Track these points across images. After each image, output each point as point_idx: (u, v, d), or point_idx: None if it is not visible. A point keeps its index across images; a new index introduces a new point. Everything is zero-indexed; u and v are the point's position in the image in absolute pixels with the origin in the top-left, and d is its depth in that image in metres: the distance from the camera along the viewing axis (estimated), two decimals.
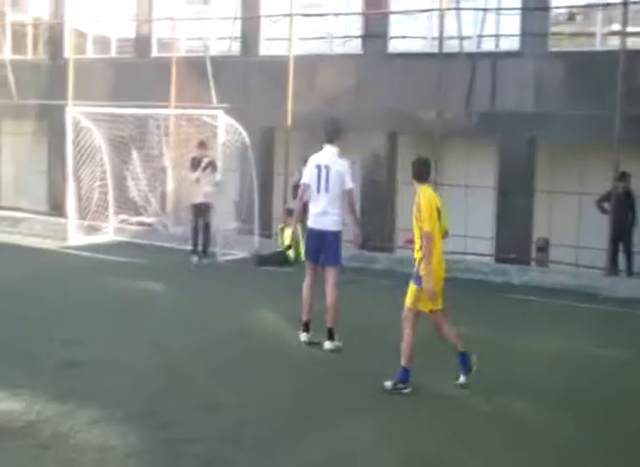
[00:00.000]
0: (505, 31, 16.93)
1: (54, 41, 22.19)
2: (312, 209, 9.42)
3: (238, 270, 15.08)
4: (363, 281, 14.00)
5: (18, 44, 22.90)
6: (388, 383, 7.70)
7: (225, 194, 16.44)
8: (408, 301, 7.83)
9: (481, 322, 11.00)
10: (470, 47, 16.79)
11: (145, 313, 10.92)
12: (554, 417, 7.19)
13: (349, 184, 9.34)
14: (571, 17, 17.31)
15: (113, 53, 21.57)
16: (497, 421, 7.07)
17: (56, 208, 20.14)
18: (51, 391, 7.19)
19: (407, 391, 7.67)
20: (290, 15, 17.75)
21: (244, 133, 16.60)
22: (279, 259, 15.61)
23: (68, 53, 21.34)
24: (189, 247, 15.92)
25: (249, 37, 19.22)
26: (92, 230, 18.00)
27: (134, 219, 18.38)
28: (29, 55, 22.84)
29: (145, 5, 20.72)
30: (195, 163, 15.37)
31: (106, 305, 11.30)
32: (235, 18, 19.29)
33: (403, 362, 7.75)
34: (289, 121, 17.47)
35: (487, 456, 6.28)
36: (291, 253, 15.55)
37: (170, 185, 18.55)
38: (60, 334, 9.46)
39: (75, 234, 17.62)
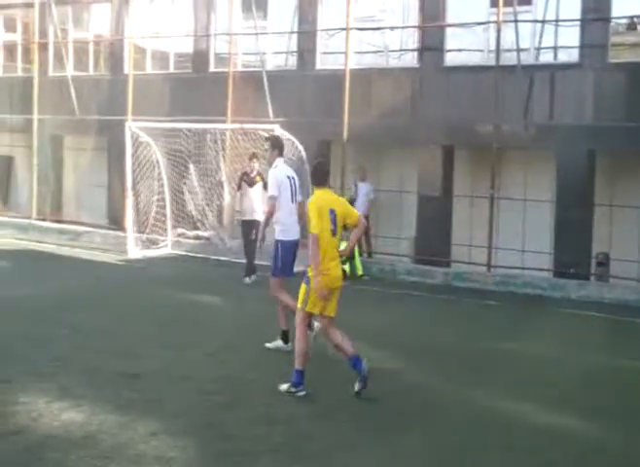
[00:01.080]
0: (563, 43, 16.73)
1: (115, 57, 22.57)
2: (288, 219, 9.68)
3: (296, 284, 15.07)
4: (418, 296, 13.93)
5: (80, 61, 23.34)
6: (284, 386, 7.80)
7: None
8: (299, 302, 8.04)
9: (539, 338, 10.88)
10: (527, 59, 16.64)
11: (203, 326, 11.01)
12: (613, 435, 7.07)
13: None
14: (631, 27, 17.02)
15: (171, 69, 21.85)
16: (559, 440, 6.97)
17: (116, 222, 20.44)
18: (111, 402, 7.27)
19: (301, 394, 7.73)
20: (346, 29, 17.81)
21: (300, 147, 16.69)
22: None
23: (128, 68, 21.68)
24: (244, 260, 16.03)
25: (305, 51, 19.31)
26: (151, 243, 18.26)
27: (191, 233, 18.58)
28: (90, 72, 23.25)
29: (203, 20, 20.97)
30: (245, 178, 15.03)
31: (164, 318, 11.43)
32: (292, 33, 19.42)
33: (296, 365, 7.82)
34: (345, 134, 17.51)
35: None
36: (346, 267, 15.53)
37: (227, 199, 18.70)
38: (120, 345, 9.59)
39: (134, 248, 17.87)
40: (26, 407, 7.02)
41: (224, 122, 18.91)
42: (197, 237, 18.66)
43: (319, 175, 8.23)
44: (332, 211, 7.87)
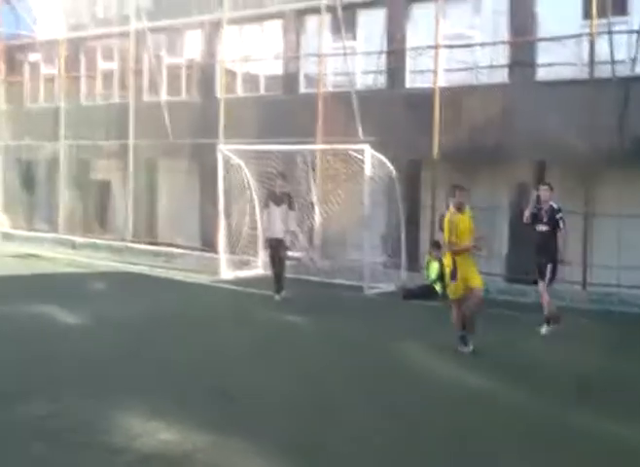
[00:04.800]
0: None
1: (206, 81, 22.99)
2: None
3: (385, 304, 15.03)
4: (510, 316, 13.64)
5: (173, 85, 23.87)
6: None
7: (372, 227, 16.48)
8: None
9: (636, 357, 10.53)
10: (623, 71, 16.21)
11: (294, 345, 11.04)
12: None
13: None
14: None
15: (262, 91, 22.13)
16: None
17: (209, 244, 20.72)
18: (204, 421, 7.31)
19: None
20: (435, 46, 17.73)
21: (390, 167, 16.64)
22: (426, 292, 15.47)
23: (219, 92, 22.07)
24: (336, 281, 16.04)
25: (395, 70, 19.29)
26: (242, 264, 18.43)
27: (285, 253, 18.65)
28: (183, 96, 23.74)
29: (292, 42, 21.20)
30: (273, 198, 15.12)
31: (256, 337, 11.50)
32: (381, 52, 19.42)
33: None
34: (435, 153, 17.38)
35: None
36: (439, 286, 15.39)
37: (318, 220, 18.79)
38: (212, 364, 9.69)
39: (226, 269, 18.08)
40: (124, 426, 7.13)
41: (314, 143, 19.02)
42: (288, 258, 18.73)
43: None
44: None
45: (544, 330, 12.03)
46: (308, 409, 7.92)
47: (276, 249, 15.08)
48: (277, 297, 14.99)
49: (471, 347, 10.21)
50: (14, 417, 7.30)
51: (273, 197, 15.15)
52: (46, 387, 8.33)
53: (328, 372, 9.51)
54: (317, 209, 18.73)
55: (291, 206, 15.19)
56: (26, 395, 7.98)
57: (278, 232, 14.96)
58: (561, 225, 11.94)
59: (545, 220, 12.01)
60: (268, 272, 17.98)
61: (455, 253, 10.30)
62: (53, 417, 7.30)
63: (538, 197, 12.22)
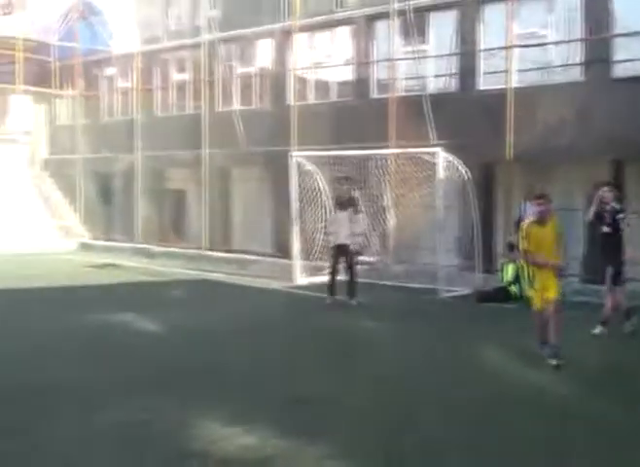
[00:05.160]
0: None
1: (278, 89, 23.12)
2: None
3: (461, 307, 14.87)
4: (589, 317, 13.30)
5: (245, 94, 24.08)
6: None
7: (446, 230, 16.34)
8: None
9: None
10: None
11: (369, 351, 10.97)
12: None
13: None
14: None
15: (333, 98, 22.16)
16: None
17: (282, 250, 20.81)
18: (281, 426, 7.31)
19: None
20: (508, 47, 17.50)
21: (463, 169, 16.47)
22: (502, 295, 15.25)
23: (291, 100, 22.19)
24: (411, 284, 15.93)
25: (467, 72, 19.10)
26: (316, 270, 18.43)
27: (356, 258, 18.60)
28: (255, 105, 23.93)
29: (363, 48, 21.19)
30: (339, 202, 15.13)
31: (331, 343, 11.53)
32: (453, 55, 19.26)
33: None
34: (509, 154, 17.14)
35: None
36: (514, 289, 15.16)
37: (391, 224, 18.70)
38: (286, 370, 9.71)
39: (300, 275, 18.13)
40: (202, 431, 7.18)
41: (386, 147, 18.95)
42: (362, 263, 18.69)
43: None
44: None
45: (597, 330, 11.76)
46: (387, 414, 7.84)
47: (342, 255, 15.05)
48: (353, 302, 14.96)
49: (555, 362, 9.67)
50: (96, 424, 7.42)
51: (339, 202, 15.16)
52: (125, 395, 8.45)
53: (406, 377, 9.42)
54: (390, 213, 18.63)
55: (357, 210, 15.15)
56: (107, 402, 8.11)
57: (344, 237, 14.93)
58: (622, 226, 11.68)
59: (608, 221, 11.77)
60: (343, 278, 18.04)
61: (532, 264, 10.06)
62: (134, 424, 7.41)
63: (601, 197, 11.97)
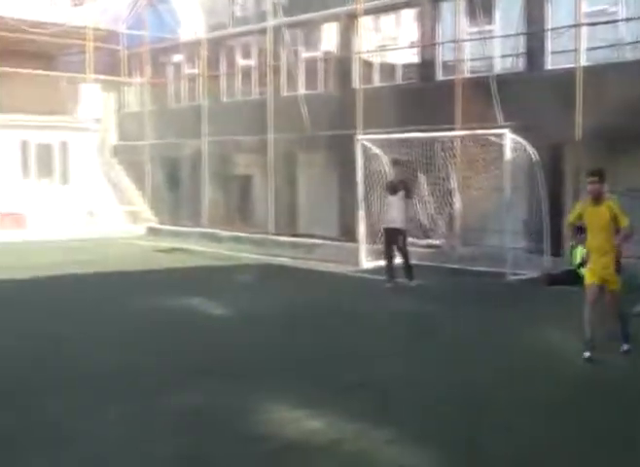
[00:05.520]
0: None
1: (343, 73, 23.07)
2: None
3: (529, 290, 14.68)
4: None
5: (310, 79, 24.09)
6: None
7: (513, 213, 16.13)
8: None
9: None
10: None
11: (433, 335, 10.93)
12: None
13: None
14: None
15: (398, 80, 22.02)
16: None
17: (347, 234, 20.81)
18: (346, 410, 7.34)
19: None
20: (577, 25, 17.13)
21: (531, 151, 16.21)
22: (570, 278, 14.96)
23: (356, 83, 22.11)
24: (478, 268, 15.78)
25: (534, 52, 18.76)
26: (381, 253, 18.35)
27: (422, 241, 18.53)
28: (320, 89, 23.92)
29: (428, 30, 20.99)
30: (389, 186, 15.22)
31: (395, 326, 11.53)
32: (519, 34, 18.94)
33: None
34: (578, 135, 16.81)
35: None
36: (583, 271, 14.87)
37: (458, 206, 18.54)
38: (350, 353, 9.73)
39: (365, 259, 18.10)
40: (270, 415, 7.25)
41: (452, 129, 18.76)
42: (429, 246, 18.60)
43: None
44: None
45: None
46: (454, 399, 7.81)
47: (392, 238, 15.17)
48: (412, 284, 15.03)
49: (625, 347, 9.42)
50: (165, 408, 7.55)
51: (389, 186, 15.30)
52: (194, 378, 8.57)
53: (474, 362, 9.35)
54: (457, 196, 18.46)
55: (408, 194, 15.16)
56: (177, 386, 8.25)
57: (392, 220, 15.12)
58: None
59: None
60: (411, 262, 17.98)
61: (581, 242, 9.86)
62: (201, 407, 7.52)
63: None
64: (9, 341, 10.44)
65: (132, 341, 10.48)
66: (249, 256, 20.65)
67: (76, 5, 30.69)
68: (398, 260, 15.55)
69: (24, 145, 28.25)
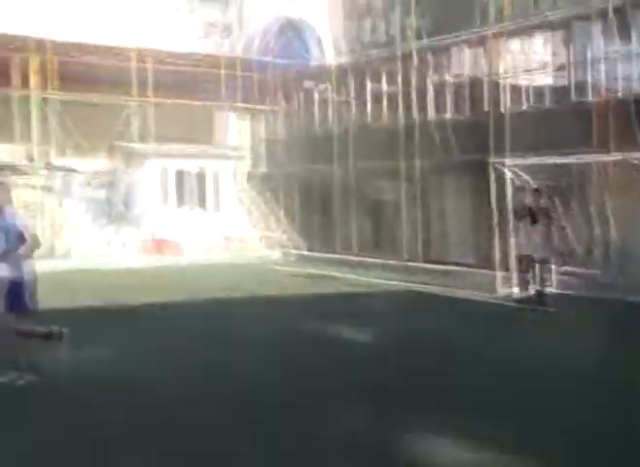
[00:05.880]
0: None
1: (481, 96, 22.60)
2: None
3: None
4: None
5: (448, 102, 23.79)
6: None
7: None
8: None
9: None
10: None
11: (579, 369, 10.33)
12: None
13: None
14: None
15: (536, 103, 21.45)
16: None
17: (484, 260, 20.21)
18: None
19: None
20: None
21: None
22: None
23: (501, 106, 21.60)
24: (628, 298, 15.27)
25: None
26: (521, 281, 17.70)
27: (562, 269, 17.79)
28: (463, 113, 23.51)
29: (565, 51, 20.32)
30: (527, 214, 15.18)
31: (544, 363, 10.82)
32: None
33: None
34: None
35: None
36: None
37: (601, 233, 17.81)
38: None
39: (501, 286, 17.65)
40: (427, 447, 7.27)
41: (590, 153, 17.87)
42: (571, 274, 17.81)
43: None
44: None
45: None
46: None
47: (527, 266, 15.28)
48: (550, 310, 14.78)
49: None
50: (326, 432, 7.66)
51: (527, 213, 15.19)
52: (339, 403, 8.66)
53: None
54: (599, 222, 17.69)
55: (548, 223, 15.13)
56: (320, 410, 8.36)
57: (531, 249, 15.14)
58: None
59: None
60: (548, 290, 17.26)
61: None
62: (354, 433, 7.58)
63: None
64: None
65: (280, 368, 10.56)
66: (380, 282, 20.48)
67: (223, 38, 31.46)
68: (538, 287, 15.34)
69: (179, 174, 29.16)
